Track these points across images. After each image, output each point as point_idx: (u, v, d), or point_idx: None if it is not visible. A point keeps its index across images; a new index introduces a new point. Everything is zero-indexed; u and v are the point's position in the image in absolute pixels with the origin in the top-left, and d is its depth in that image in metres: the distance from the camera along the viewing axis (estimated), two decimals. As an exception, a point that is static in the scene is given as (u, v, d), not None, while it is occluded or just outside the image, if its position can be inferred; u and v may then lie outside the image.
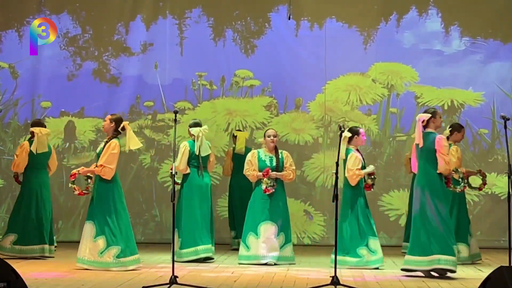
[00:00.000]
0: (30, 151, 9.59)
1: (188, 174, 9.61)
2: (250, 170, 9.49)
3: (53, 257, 9.60)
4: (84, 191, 8.63)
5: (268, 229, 9.34)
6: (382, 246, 9.19)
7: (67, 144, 12.37)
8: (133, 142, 8.54)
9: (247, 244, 9.36)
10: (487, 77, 12.12)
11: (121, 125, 8.56)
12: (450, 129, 9.74)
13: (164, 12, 12.45)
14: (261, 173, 9.38)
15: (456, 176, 8.97)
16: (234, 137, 11.19)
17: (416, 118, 8.38)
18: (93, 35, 12.49)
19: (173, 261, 7.33)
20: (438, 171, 8.14)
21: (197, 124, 9.72)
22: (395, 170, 12.18)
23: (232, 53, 12.37)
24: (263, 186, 9.36)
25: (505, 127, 7.78)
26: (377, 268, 8.88)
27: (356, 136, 9.22)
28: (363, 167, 9.14)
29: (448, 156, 8.25)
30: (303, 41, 12.34)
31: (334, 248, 7.42)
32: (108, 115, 8.76)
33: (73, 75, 12.44)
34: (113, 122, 8.62)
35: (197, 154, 9.58)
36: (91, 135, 12.34)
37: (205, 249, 9.43)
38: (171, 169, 7.59)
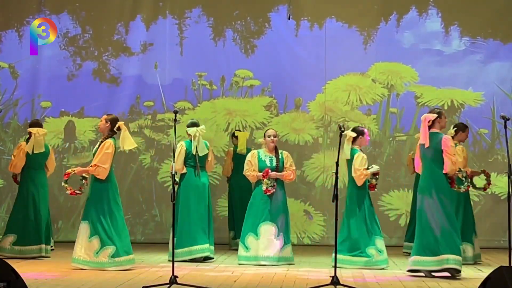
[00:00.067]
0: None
1: (185, 174, 9.62)
2: (250, 170, 9.48)
3: (49, 256, 9.61)
4: (76, 191, 8.64)
5: (268, 230, 9.33)
6: (382, 246, 9.20)
7: (67, 144, 12.37)
8: (127, 142, 8.54)
9: (246, 245, 9.35)
10: (487, 77, 12.12)
11: (117, 125, 8.58)
12: (455, 129, 9.72)
13: (164, 12, 12.45)
14: (261, 174, 9.38)
15: (460, 175, 8.96)
16: (235, 137, 11.19)
17: (421, 118, 8.36)
18: (93, 35, 12.49)
19: (173, 261, 7.33)
20: (444, 171, 8.12)
21: (194, 124, 9.72)
22: (395, 170, 12.18)
23: (232, 53, 12.37)
24: (264, 187, 9.35)
25: (505, 127, 7.77)
26: (383, 268, 8.87)
27: (361, 136, 9.22)
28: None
29: (455, 157, 8.24)
30: (303, 41, 12.33)
31: (334, 248, 7.43)
32: (104, 115, 8.80)
33: (73, 75, 12.44)
34: (109, 122, 8.65)
35: (194, 153, 9.59)
36: (91, 135, 12.34)
37: (200, 249, 9.42)
38: (171, 169, 7.59)
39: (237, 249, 9.74)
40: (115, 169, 9.12)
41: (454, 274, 8.10)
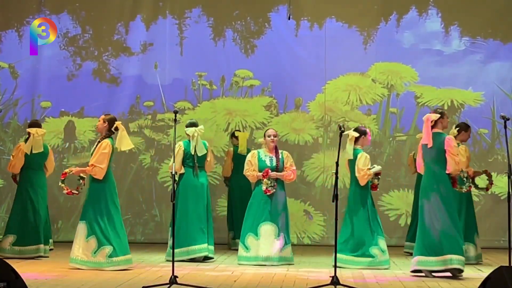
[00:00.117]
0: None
1: (183, 174, 9.62)
2: (250, 170, 9.48)
3: (47, 256, 9.61)
4: (73, 191, 8.66)
5: (268, 230, 9.33)
6: (382, 246, 9.20)
7: (67, 144, 12.37)
8: (124, 143, 8.54)
9: (246, 245, 9.34)
10: (487, 77, 12.12)
11: (114, 125, 8.58)
12: (457, 128, 9.71)
13: (164, 12, 12.45)
14: (261, 174, 9.38)
15: (461, 175, 8.95)
16: (234, 137, 11.19)
17: (423, 118, 8.35)
18: (93, 35, 12.49)
19: (173, 261, 7.33)
20: (447, 171, 8.12)
21: (193, 124, 9.72)
22: (395, 170, 12.18)
23: (232, 53, 12.37)
24: (264, 187, 9.34)
25: (505, 127, 7.77)
26: (387, 268, 8.86)
27: (363, 136, 9.23)
28: (369, 168, 9.16)
29: (458, 156, 8.24)
30: (303, 41, 12.33)
31: (334, 248, 7.43)
32: (102, 115, 8.80)
33: (73, 75, 12.44)
34: (106, 122, 8.66)
35: (192, 154, 9.59)
36: (91, 135, 12.34)
37: (198, 249, 9.42)
38: (170, 168, 7.58)
39: (236, 249, 9.73)
40: (115, 169, 9.13)
41: (457, 274, 8.10)
